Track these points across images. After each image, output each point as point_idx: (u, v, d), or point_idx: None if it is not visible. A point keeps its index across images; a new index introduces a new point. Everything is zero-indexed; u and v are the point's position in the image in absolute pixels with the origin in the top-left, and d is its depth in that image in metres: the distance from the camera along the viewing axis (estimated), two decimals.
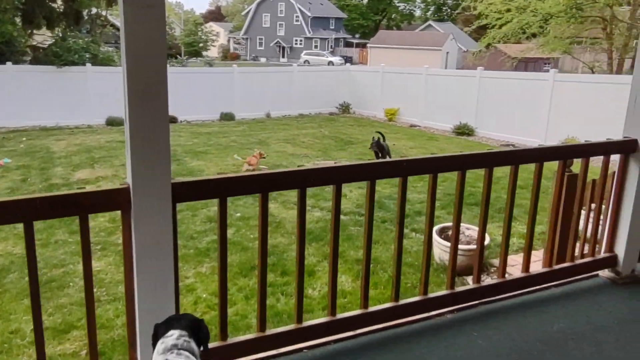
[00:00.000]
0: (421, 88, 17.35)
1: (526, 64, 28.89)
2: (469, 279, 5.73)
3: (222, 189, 2.37)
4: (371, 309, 2.99)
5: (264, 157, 10.23)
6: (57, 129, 15.58)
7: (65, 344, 4.51)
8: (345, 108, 20.55)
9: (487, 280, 4.58)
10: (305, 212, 2.62)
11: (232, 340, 2.64)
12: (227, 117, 18.33)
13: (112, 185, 2.19)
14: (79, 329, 4.69)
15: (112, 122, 16.38)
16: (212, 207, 7.89)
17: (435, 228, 6.17)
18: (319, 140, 14.05)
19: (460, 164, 3.04)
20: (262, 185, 2.45)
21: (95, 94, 16.43)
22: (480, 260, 3.37)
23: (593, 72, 18.12)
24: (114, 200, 2.17)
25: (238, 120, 18.42)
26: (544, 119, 13.73)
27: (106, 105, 16.48)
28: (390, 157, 10.77)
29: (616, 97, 11.77)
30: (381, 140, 11.11)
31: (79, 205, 2.14)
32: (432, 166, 2.96)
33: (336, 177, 2.63)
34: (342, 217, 7.55)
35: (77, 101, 16.28)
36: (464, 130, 15.52)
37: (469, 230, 6.31)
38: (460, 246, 5.70)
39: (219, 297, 2.55)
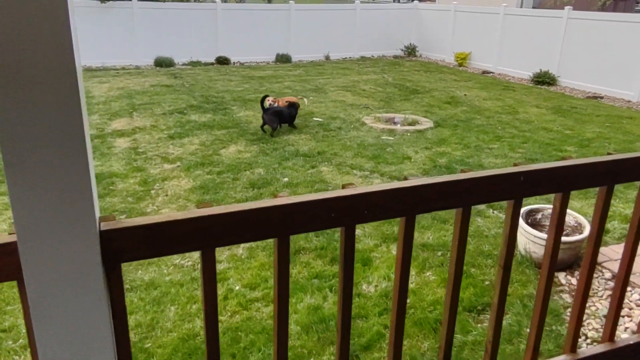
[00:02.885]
0: (497, 30, 15.54)
1: (615, 3, 25.93)
2: (561, 276, 4.62)
3: (201, 236, 1.36)
4: None
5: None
6: (102, 69, 14.91)
7: None
8: (411, 51, 18.94)
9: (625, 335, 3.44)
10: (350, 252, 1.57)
11: None
12: (283, 59, 17.18)
13: None
14: None
15: (161, 63, 15.59)
16: (256, 168, 6.96)
17: (523, 210, 5.00)
18: (381, 89, 12.76)
19: (605, 173, 1.89)
20: (276, 224, 1.42)
21: (143, 31, 15.61)
22: (615, 318, 2.24)
23: None
24: None
25: (295, 62, 17.25)
26: None
27: (154, 44, 15.71)
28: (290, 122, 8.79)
29: None
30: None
31: None
32: (561, 178, 1.81)
33: (403, 206, 1.54)
34: None
35: (123, 40, 15.50)
36: (544, 79, 13.79)
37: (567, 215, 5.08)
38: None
39: None
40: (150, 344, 3.74)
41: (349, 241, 1.55)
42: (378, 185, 1.53)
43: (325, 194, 1.47)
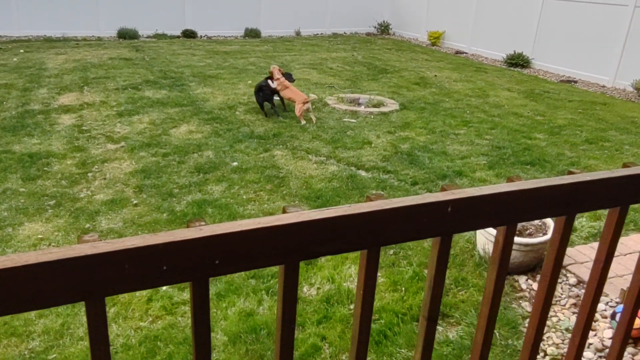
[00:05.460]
0: (472, 8, 15.07)
1: None
2: (522, 280, 4.26)
3: None
4: None
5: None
6: (62, 40, 14.10)
7: None
8: (384, 28, 18.39)
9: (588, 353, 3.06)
10: None
11: None
12: (252, 33, 16.51)
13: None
14: None
15: (124, 35, 14.83)
16: (205, 151, 6.47)
17: None
18: (349, 67, 12.25)
19: (564, 200, 1.46)
20: (84, 281, 0.97)
21: (106, 0, 14.78)
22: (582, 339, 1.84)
23: None
24: None
25: (264, 38, 16.59)
26: (617, 53, 11.56)
27: (119, 15, 14.93)
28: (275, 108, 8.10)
29: None
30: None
31: None
32: (505, 207, 1.37)
33: (278, 252, 1.10)
34: (362, 173, 6.03)
35: (86, 9, 14.67)
36: (518, 61, 13.41)
37: None
38: (516, 239, 4.21)
39: None
40: (55, 355, 3.30)
41: (199, 300, 1.11)
42: (238, 223, 1.08)
43: (154, 238, 1.02)
